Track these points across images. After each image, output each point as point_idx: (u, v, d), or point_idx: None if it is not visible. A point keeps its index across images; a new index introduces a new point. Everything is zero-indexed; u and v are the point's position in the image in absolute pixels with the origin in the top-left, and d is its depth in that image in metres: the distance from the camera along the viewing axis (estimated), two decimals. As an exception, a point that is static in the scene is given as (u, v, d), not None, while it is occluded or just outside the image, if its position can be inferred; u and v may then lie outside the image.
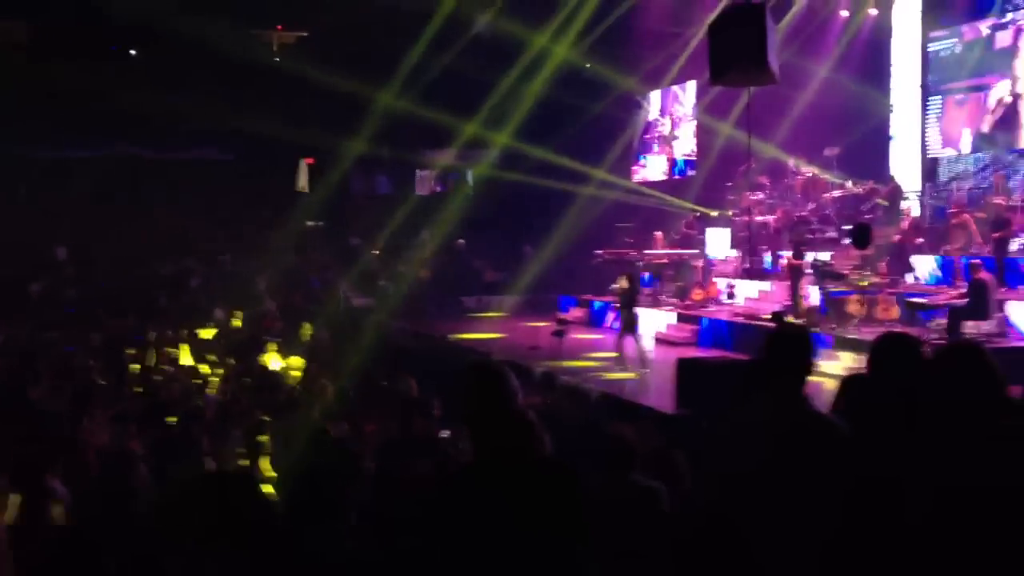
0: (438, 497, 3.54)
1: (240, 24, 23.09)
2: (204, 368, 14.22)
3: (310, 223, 28.11)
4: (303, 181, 27.90)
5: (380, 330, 18.95)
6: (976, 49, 19.78)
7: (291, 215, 26.32)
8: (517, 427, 3.26)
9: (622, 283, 15.98)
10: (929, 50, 20.81)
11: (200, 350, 15.95)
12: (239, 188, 26.49)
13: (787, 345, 3.96)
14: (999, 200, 17.02)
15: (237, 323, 19.59)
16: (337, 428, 8.52)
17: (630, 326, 15.47)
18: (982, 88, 19.75)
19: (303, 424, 8.76)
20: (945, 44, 20.41)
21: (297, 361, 14.61)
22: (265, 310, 20.57)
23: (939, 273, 17.62)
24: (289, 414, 9.57)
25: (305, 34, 25.12)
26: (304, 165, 27.87)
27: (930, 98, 20.91)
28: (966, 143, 20.10)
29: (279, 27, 25.05)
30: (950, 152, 20.63)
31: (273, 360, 14.64)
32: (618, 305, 16.52)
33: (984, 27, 19.57)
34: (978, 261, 14.53)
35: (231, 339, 17.31)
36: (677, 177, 26.57)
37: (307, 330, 17.86)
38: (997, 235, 16.04)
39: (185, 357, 15.26)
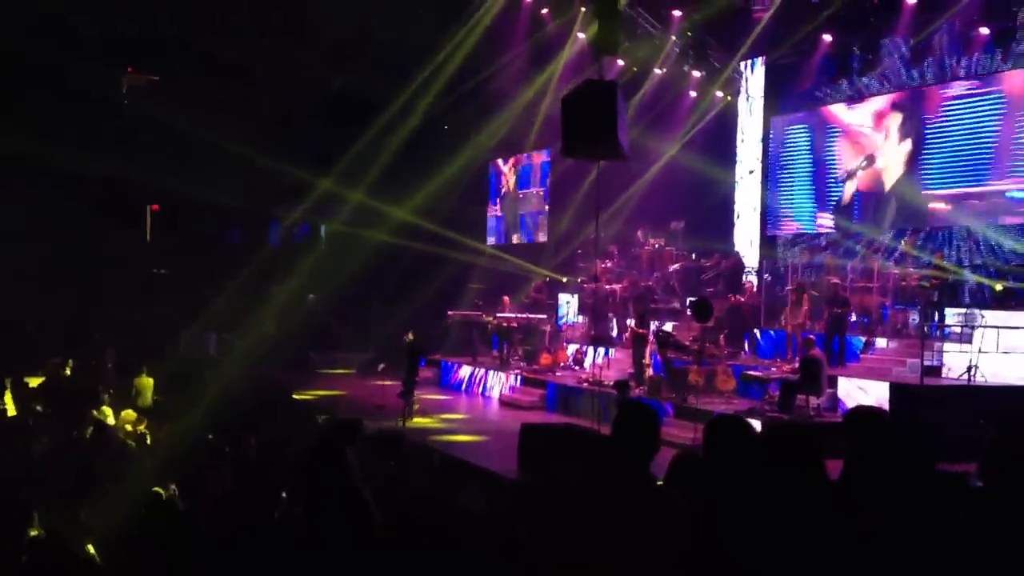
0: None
1: (90, 62, 22.42)
2: (30, 418, 13.51)
3: (156, 270, 27.24)
4: (149, 228, 27.11)
5: (223, 384, 18.43)
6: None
7: (136, 261, 25.48)
8: (350, 507, 3.21)
9: (408, 337, 17.59)
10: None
11: (27, 399, 15.15)
12: (83, 231, 25.44)
13: (638, 422, 4.03)
14: (834, 279, 17.88)
15: (68, 372, 18.72)
16: (168, 487, 8.20)
17: (412, 378, 17.01)
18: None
19: (134, 481, 8.42)
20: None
21: (131, 415, 14.05)
22: (102, 360, 19.74)
23: (775, 347, 18.32)
24: (120, 470, 9.18)
25: (157, 78, 24.53)
26: (149, 211, 27.10)
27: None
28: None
29: (130, 69, 24.41)
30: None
31: (106, 412, 14.04)
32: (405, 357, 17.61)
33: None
34: (812, 337, 15.19)
35: (62, 389, 16.51)
36: (528, 242, 26.97)
37: (145, 382, 17.22)
38: (836, 312, 16.82)
39: (9, 406, 14.47)
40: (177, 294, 26.03)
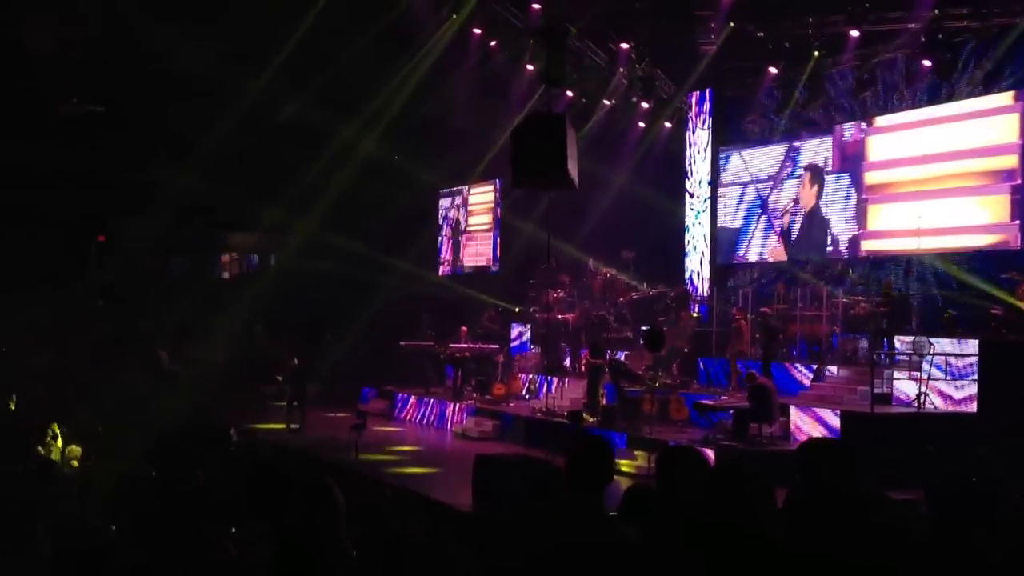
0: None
1: (32, 93, 22.13)
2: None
3: (99, 301, 26.79)
4: (94, 259, 26.75)
5: (168, 418, 18.11)
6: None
7: (79, 293, 25.05)
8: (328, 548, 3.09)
9: (292, 362, 19.34)
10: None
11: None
12: (21, 264, 24.94)
13: (590, 453, 4.00)
14: (765, 308, 18.07)
15: (13, 406, 18.31)
16: (110, 524, 8.01)
17: (301, 398, 19.04)
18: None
19: (78, 519, 8.23)
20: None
21: (76, 450, 13.75)
22: (43, 393, 19.32)
23: (723, 375, 18.43)
24: (63, 508, 8.97)
25: (101, 108, 24.24)
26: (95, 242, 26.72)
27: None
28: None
29: (74, 99, 24.10)
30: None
31: (51, 448, 13.73)
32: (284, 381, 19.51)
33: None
34: (753, 371, 15.30)
35: (6, 424, 16.14)
36: (480, 272, 26.96)
37: (85, 416, 16.84)
38: (768, 340, 17.01)
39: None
40: (121, 325, 25.63)
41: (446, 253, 28.86)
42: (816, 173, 20.13)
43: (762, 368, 16.28)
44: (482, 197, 27.40)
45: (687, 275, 22.18)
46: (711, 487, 3.90)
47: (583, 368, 18.26)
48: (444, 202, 29.00)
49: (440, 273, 28.35)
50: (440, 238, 29.08)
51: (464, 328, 22.39)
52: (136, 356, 22.86)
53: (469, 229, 27.87)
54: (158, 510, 9.00)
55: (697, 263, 22.26)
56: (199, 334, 24.68)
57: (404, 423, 21.07)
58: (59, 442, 14.13)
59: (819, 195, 20.04)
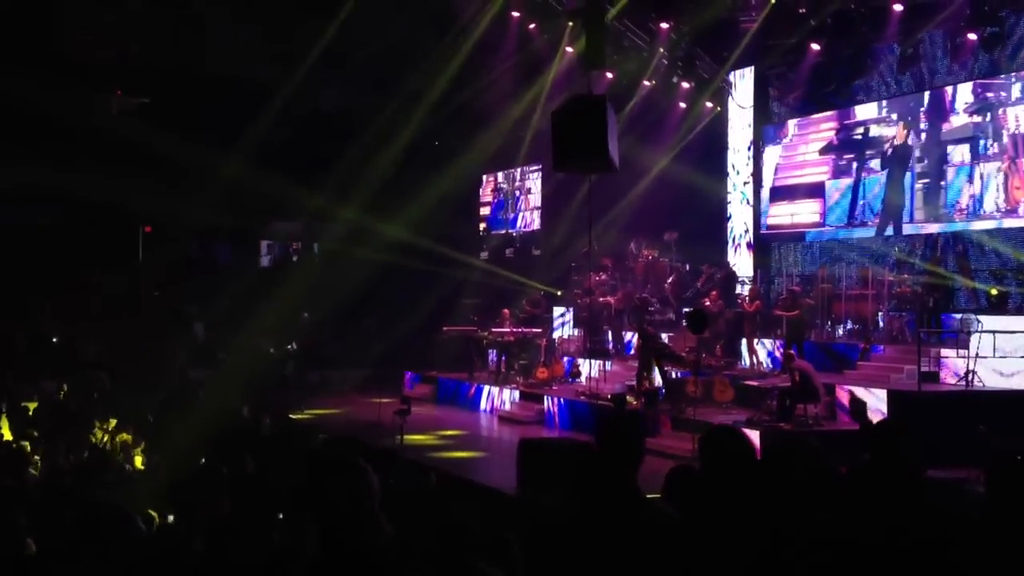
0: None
1: (77, 86, 22.38)
2: (26, 444, 13.41)
3: (153, 292, 27.16)
4: (141, 249, 27.14)
5: (217, 404, 18.33)
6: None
7: (127, 282, 25.41)
8: (365, 524, 3.13)
9: (292, 346, 21.35)
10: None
11: (22, 424, 15.06)
12: (69, 254, 25.31)
13: (617, 433, 3.96)
14: (795, 287, 17.91)
15: (63, 395, 18.61)
16: (162, 511, 8.14)
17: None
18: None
19: (130, 504, 8.34)
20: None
21: (126, 437, 13.97)
22: (95, 381, 19.61)
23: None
24: (116, 495, 9.11)
25: (146, 100, 24.48)
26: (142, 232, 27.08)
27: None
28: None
29: (118, 91, 24.37)
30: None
31: (101, 436, 13.96)
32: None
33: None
34: (791, 353, 15.20)
35: (57, 412, 16.42)
36: (522, 256, 26.95)
37: (138, 405, 17.11)
38: (791, 317, 16.92)
39: (4, 431, 14.40)
40: (169, 314, 25.96)
41: (491, 234, 28.84)
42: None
43: (784, 347, 16.19)
44: (526, 179, 27.39)
45: (730, 255, 22.04)
46: (764, 466, 3.89)
47: (638, 350, 18.14)
48: (485, 186, 29.02)
49: (482, 257, 28.32)
50: (483, 221, 29.09)
51: (506, 311, 22.37)
52: (183, 343, 23.18)
53: (512, 212, 27.88)
54: (209, 498, 9.14)
55: (741, 243, 22.10)
56: (245, 322, 24.90)
57: (448, 408, 21.16)
58: (110, 429, 14.36)
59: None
